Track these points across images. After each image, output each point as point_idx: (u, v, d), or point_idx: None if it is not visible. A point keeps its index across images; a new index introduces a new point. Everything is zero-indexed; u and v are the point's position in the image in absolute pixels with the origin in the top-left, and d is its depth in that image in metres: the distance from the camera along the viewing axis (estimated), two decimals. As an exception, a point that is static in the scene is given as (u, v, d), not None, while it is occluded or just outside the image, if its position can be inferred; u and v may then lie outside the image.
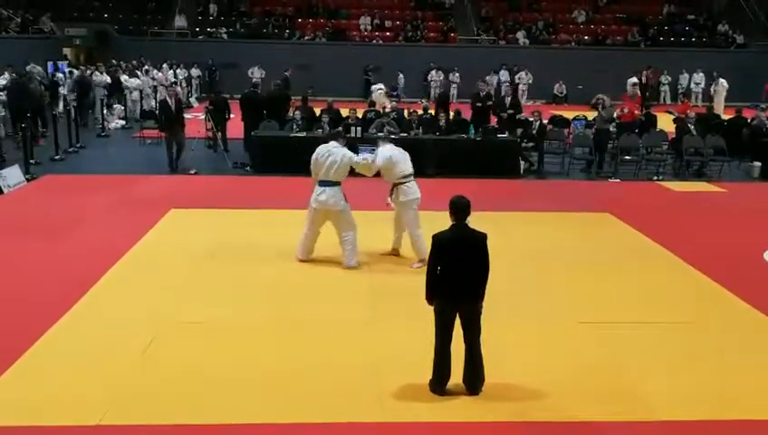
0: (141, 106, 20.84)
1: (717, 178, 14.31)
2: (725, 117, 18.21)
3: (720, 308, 7.46)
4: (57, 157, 14.68)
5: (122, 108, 20.91)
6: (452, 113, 15.75)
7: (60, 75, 21.81)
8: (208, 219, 10.32)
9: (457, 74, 28.04)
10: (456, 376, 5.46)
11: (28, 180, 12.55)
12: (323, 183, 8.15)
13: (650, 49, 30.07)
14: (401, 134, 13.64)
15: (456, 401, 5.36)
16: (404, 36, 30.43)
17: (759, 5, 31.34)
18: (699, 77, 28.36)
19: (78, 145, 16.11)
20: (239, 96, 16.32)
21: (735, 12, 31.80)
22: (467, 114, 16.11)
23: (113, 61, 24.01)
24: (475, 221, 5.65)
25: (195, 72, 27.72)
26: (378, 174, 8.52)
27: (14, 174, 12.26)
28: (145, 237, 9.31)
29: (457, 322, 5.40)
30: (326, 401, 5.33)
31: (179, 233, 9.65)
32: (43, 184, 12.58)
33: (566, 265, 8.61)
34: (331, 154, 8.15)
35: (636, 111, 15.86)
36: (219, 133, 15.65)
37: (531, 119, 15.34)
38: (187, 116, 15.03)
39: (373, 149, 8.69)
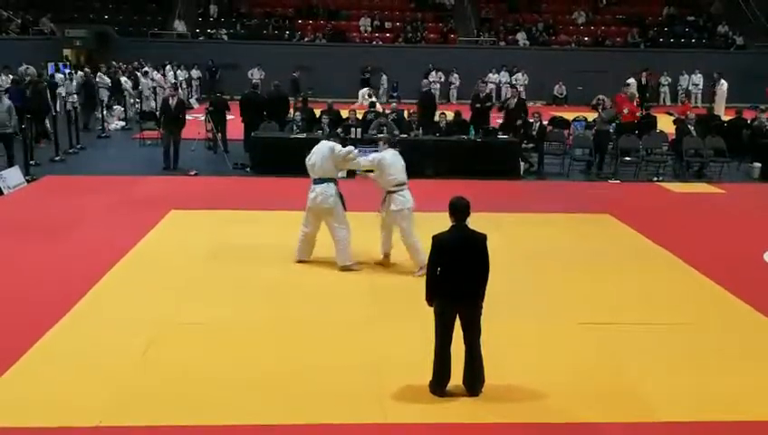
0: (141, 108, 20.86)
1: (717, 180, 14.31)
2: (726, 118, 18.22)
3: (720, 309, 7.46)
4: (57, 158, 14.68)
5: (122, 109, 20.93)
6: (450, 114, 15.73)
7: (60, 76, 21.78)
8: (208, 220, 10.32)
9: (456, 75, 28.05)
10: (456, 377, 5.46)
11: (28, 181, 12.53)
12: (315, 181, 8.21)
13: (650, 50, 30.06)
14: (401, 135, 13.64)
15: (456, 403, 5.36)
16: (404, 37, 30.44)
17: (759, 6, 31.33)
18: (698, 78, 28.37)
19: (78, 146, 16.12)
20: (239, 97, 16.34)
21: (735, 13, 31.80)
22: (467, 115, 16.11)
23: (113, 62, 24.02)
24: (475, 222, 5.65)
25: (195, 73, 27.72)
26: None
27: (14, 175, 12.25)
28: (145, 238, 9.31)
29: (457, 323, 5.40)
30: (326, 401, 5.33)
31: (179, 234, 9.66)
32: (44, 185, 12.58)
33: (566, 266, 8.61)
34: (317, 150, 8.23)
35: (637, 112, 15.88)
36: (219, 134, 15.67)
37: (531, 120, 15.35)
38: (187, 117, 15.04)
39: (375, 150, 8.68)
